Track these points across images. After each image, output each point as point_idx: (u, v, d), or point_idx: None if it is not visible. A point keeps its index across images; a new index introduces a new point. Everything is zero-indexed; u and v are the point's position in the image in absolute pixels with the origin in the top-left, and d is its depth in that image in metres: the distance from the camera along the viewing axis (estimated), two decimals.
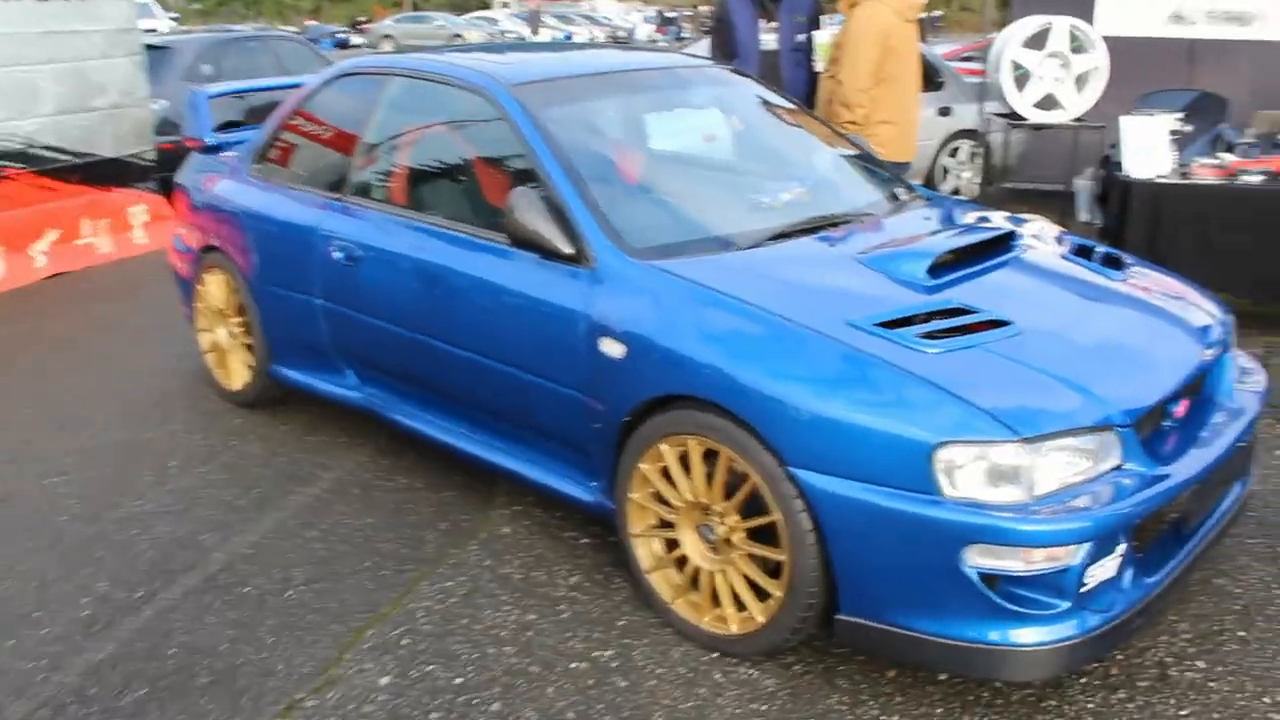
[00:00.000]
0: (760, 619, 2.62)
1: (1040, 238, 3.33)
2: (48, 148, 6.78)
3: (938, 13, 32.74)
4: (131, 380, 4.81)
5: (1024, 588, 2.30)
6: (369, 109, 3.82)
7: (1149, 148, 5.06)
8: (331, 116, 4.03)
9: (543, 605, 2.98)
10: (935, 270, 2.82)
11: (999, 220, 3.47)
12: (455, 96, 3.55)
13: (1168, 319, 2.92)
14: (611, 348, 2.82)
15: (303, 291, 3.85)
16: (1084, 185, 5.79)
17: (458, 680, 2.68)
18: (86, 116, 7.03)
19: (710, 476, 2.67)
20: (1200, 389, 2.79)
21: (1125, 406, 2.42)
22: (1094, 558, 2.28)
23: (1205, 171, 5.02)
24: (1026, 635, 2.31)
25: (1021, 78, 6.09)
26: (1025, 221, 3.49)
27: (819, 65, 5.19)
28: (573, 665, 2.72)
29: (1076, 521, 2.24)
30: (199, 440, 4.14)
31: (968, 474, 2.28)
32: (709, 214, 3.26)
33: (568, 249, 2.95)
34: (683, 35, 38.57)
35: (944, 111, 8.21)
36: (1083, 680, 2.61)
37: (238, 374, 4.38)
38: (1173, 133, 5.16)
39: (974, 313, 2.63)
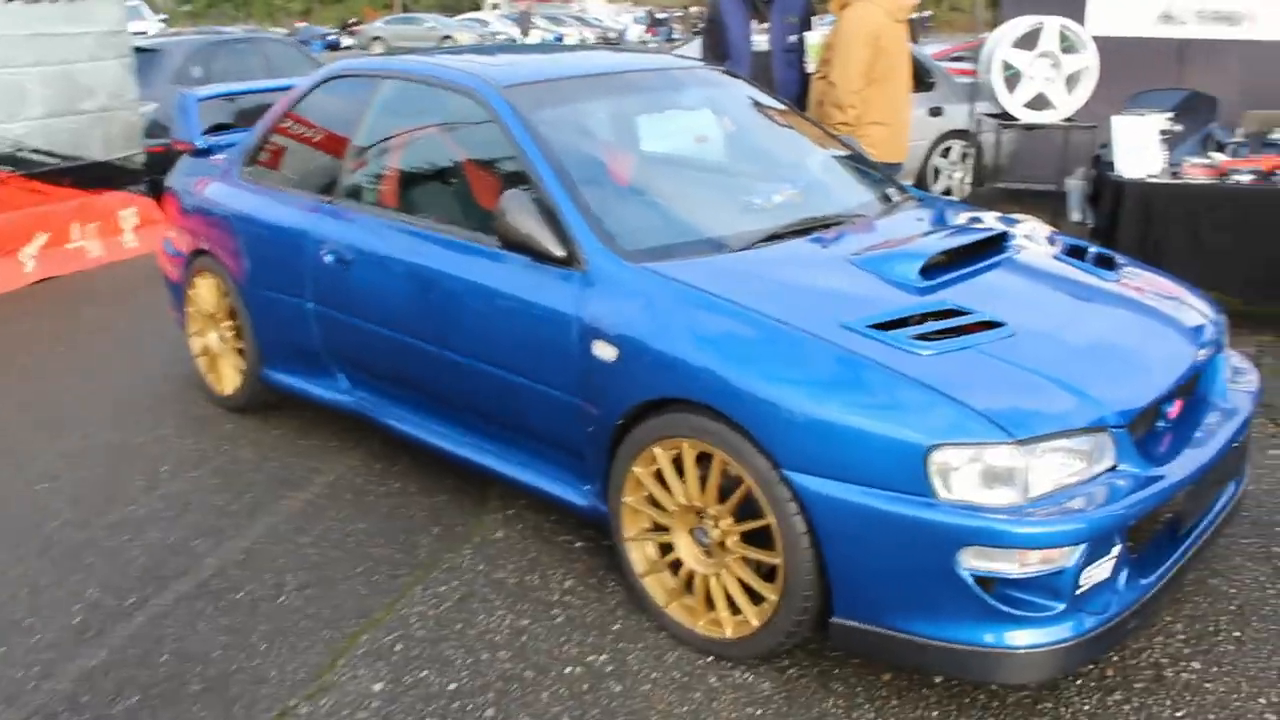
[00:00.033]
0: (755, 622, 2.62)
1: (1032, 238, 3.33)
2: (37, 151, 6.74)
3: (928, 13, 32.78)
4: (122, 385, 4.79)
5: (1019, 590, 2.29)
6: (359, 111, 3.80)
7: (1140, 147, 5.07)
8: (322, 119, 4.01)
9: (537, 610, 2.97)
10: (928, 271, 2.81)
11: (991, 221, 3.47)
12: (446, 99, 3.54)
13: (1161, 319, 2.92)
14: (604, 351, 2.81)
15: (294, 295, 3.83)
16: (1075, 185, 5.81)
17: (451, 686, 2.67)
18: (75, 119, 7.00)
19: (704, 480, 2.66)
20: (1194, 389, 2.79)
21: (1119, 407, 2.42)
22: (1089, 559, 2.28)
23: (1196, 171, 5.03)
24: (1022, 637, 2.30)
25: (1012, 78, 6.10)
26: (1017, 222, 3.49)
27: (811, 66, 5.19)
28: (567, 670, 2.71)
29: (1071, 523, 2.24)
30: (190, 445, 4.12)
31: (962, 476, 2.28)
32: (701, 216, 3.25)
33: (559, 251, 2.94)
34: (673, 36, 38.57)
35: (935, 112, 8.21)
36: (1078, 682, 2.61)
37: (229, 378, 4.36)
38: (1163, 132, 5.17)
39: (967, 314, 2.63)
